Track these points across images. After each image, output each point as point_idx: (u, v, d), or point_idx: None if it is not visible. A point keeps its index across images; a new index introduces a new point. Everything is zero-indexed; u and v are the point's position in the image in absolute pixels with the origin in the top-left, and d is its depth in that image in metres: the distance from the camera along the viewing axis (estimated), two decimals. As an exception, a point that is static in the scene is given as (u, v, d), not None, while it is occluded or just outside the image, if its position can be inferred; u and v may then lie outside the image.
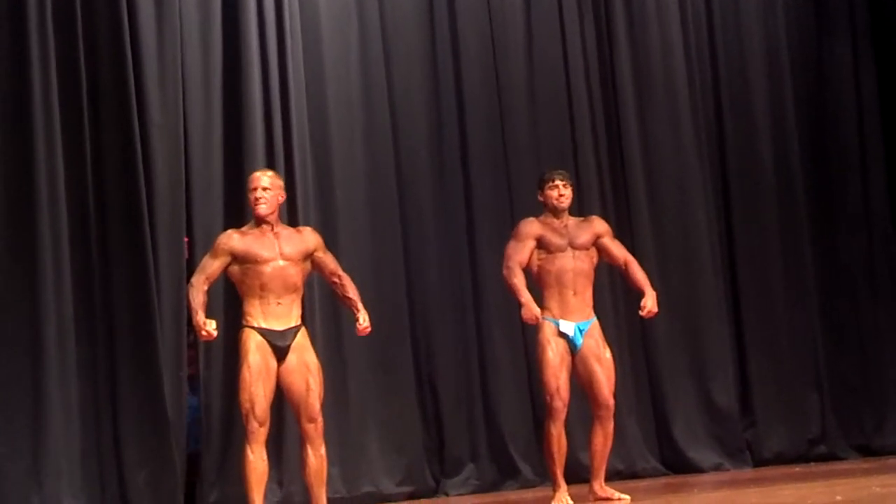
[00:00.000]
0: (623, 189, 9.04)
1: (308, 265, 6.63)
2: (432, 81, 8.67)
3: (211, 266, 6.50)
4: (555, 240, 7.14)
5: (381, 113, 8.46)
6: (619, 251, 7.34)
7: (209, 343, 7.21)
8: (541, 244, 7.15)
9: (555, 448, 7.00)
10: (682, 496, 7.50)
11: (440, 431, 8.39)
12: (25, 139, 7.28)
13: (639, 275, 7.28)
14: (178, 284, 7.47)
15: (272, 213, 6.56)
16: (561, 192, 7.20)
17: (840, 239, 9.55)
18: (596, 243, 7.25)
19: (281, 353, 6.39)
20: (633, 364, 8.74)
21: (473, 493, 8.24)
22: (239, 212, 7.41)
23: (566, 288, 7.10)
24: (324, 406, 6.54)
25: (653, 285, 7.28)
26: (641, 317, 7.32)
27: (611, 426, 7.11)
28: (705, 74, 9.40)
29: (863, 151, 9.68)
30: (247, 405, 6.30)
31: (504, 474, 8.38)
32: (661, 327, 8.71)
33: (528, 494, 7.98)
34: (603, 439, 7.11)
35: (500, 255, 7.28)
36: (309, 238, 6.68)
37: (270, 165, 7.61)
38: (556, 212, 7.21)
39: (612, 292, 8.55)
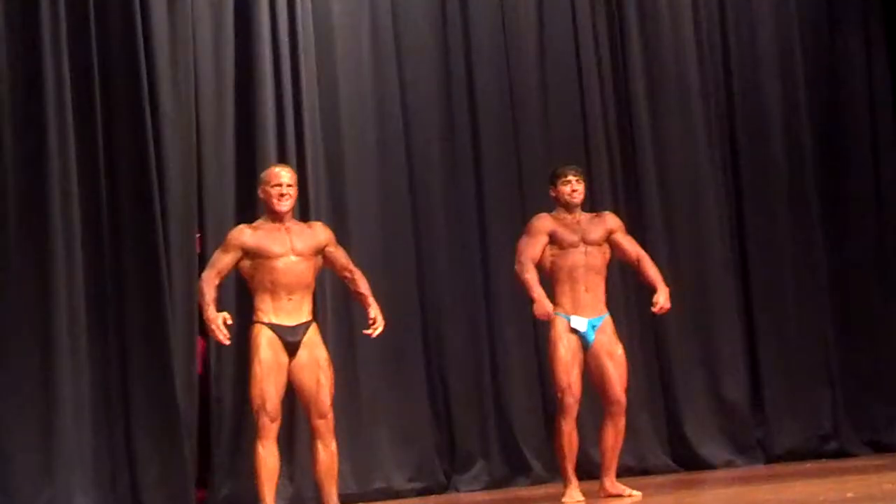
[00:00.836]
0: (635, 185, 9.01)
1: (319, 260, 6.63)
2: (444, 77, 8.66)
3: (222, 261, 6.50)
4: (567, 236, 7.13)
5: (392, 109, 8.45)
6: (631, 247, 7.33)
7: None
8: (553, 240, 7.14)
9: (566, 444, 6.99)
10: (693, 492, 7.50)
11: (451, 427, 8.38)
12: (38, 133, 7.29)
13: (651, 271, 7.27)
14: (189, 279, 7.46)
15: (291, 210, 6.57)
16: (574, 187, 7.19)
17: (853, 234, 9.51)
18: (608, 239, 7.24)
19: (292, 349, 6.39)
20: (644, 360, 8.72)
21: (484, 489, 8.23)
22: (251, 207, 7.40)
23: (578, 284, 7.09)
24: (334, 402, 6.54)
25: (664, 281, 7.27)
26: (653, 313, 7.30)
27: (622, 422, 7.11)
28: (717, 70, 9.36)
29: (875, 146, 9.63)
30: (258, 401, 6.31)
31: (515, 470, 8.37)
32: (672, 323, 8.69)
33: (539, 491, 7.97)
34: (614, 435, 7.10)
35: (511, 251, 7.27)
36: (320, 233, 6.68)
37: (282, 161, 7.62)
38: (568, 207, 7.19)
39: (625, 288, 8.53)
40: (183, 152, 7.66)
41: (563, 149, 8.66)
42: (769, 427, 9.04)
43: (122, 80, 7.55)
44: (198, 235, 7.66)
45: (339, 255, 6.71)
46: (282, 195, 6.50)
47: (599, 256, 7.19)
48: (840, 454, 9.04)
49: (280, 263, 6.45)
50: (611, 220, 7.35)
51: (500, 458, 8.37)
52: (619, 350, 7.12)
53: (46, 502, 7.04)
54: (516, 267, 7.11)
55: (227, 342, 6.37)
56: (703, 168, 9.16)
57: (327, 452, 6.43)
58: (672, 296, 7.26)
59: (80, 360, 7.24)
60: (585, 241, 7.15)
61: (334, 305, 7.92)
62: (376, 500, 7.78)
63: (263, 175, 6.66)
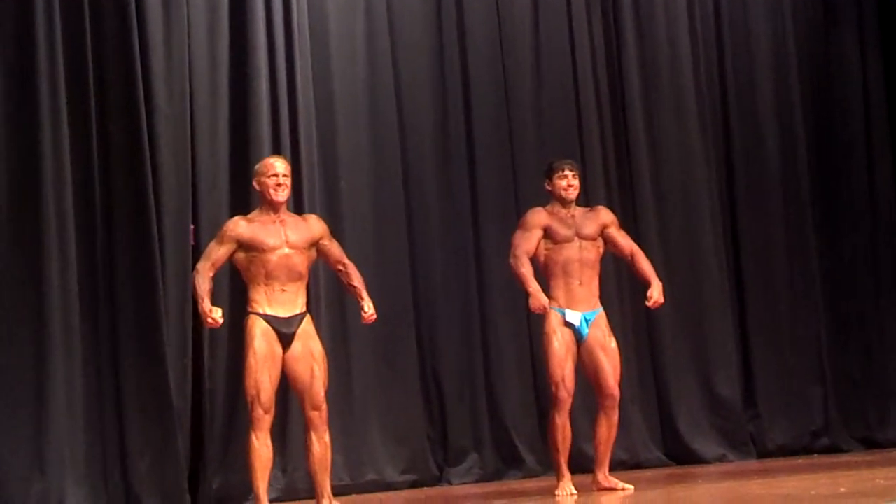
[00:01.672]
0: (628, 181, 9.03)
1: (313, 253, 6.63)
2: (439, 71, 8.66)
3: (217, 252, 6.49)
4: (561, 230, 7.14)
5: (387, 103, 8.45)
6: (625, 242, 7.35)
7: (214, 330, 7.22)
8: (548, 234, 7.15)
9: (559, 438, 7.01)
10: (685, 487, 7.51)
11: (444, 420, 8.39)
12: (32, 126, 7.25)
13: (645, 265, 7.29)
14: (183, 271, 7.46)
15: (286, 201, 6.57)
16: (570, 182, 7.21)
17: (845, 232, 9.54)
18: (602, 234, 7.26)
19: (286, 340, 6.39)
20: (637, 355, 8.74)
21: (477, 482, 8.24)
22: (244, 200, 7.40)
23: (572, 278, 7.10)
24: (328, 394, 6.53)
25: (658, 276, 7.28)
26: (647, 307, 7.32)
27: (615, 416, 7.13)
28: (712, 67, 9.38)
29: (869, 146, 9.66)
30: (252, 392, 6.31)
31: (507, 464, 8.39)
32: (665, 318, 8.71)
33: (532, 484, 7.98)
34: (607, 429, 7.12)
35: (505, 245, 7.29)
36: (315, 226, 6.68)
37: (276, 152, 7.58)
38: (563, 202, 7.21)
39: (618, 283, 8.55)
40: (177, 144, 7.65)
41: (557, 144, 8.67)
42: (761, 422, 9.08)
43: (117, 73, 7.52)
44: (192, 227, 7.65)
45: (334, 248, 6.71)
46: (278, 185, 6.50)
47: (593, 251, 7.21)
48: (832, 450, 9.09)
49: (274, 256, 6.45)
50: (605, 215, 7.37)
51: (492, 451, 8.38)
52: (613, 344, 7.14)
53: (38, 494, 7.01)
54: (511, 261, 7.12)
55: (220, 322, 6.34)
56: (697, 165, 9.18)
57: (321, 444, 6.43)
58: (665, 291, 7.29)
59: (73, 352, 7.21)
60: (580, 236, 7.17)
61: (328, 299, 7.92)
62: (369, 492, 7.79)
63: (259, 166, 6.66)
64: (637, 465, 8.53)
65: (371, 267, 7.63)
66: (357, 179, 8.28)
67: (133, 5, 7.51)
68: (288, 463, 7.64)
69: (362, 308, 6.61)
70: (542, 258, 7.15)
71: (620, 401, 7.19)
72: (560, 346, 7.02)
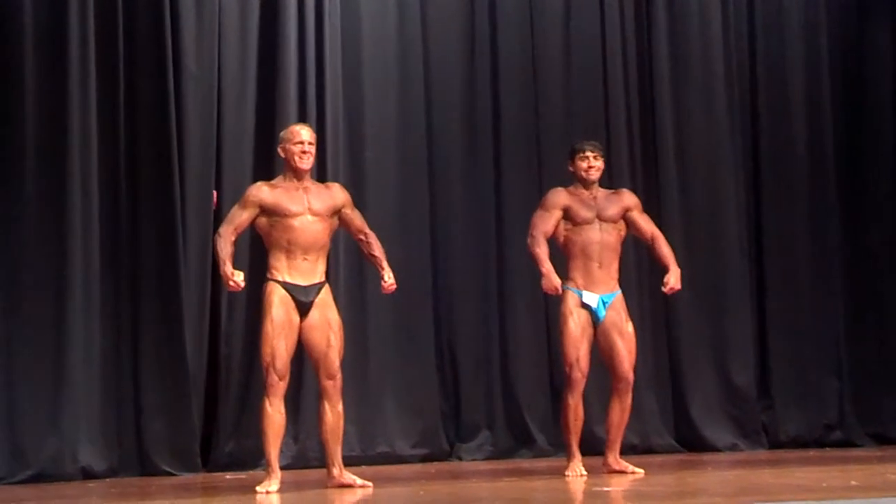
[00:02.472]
0: (653, 164, 9.00)
1: (335, 221, 6.63)
2: (468, 47, 8.65)
3: (239, 217, 6.50)
4: (582, 211, 7.12)
5: (415, 77, 8.45)
6: (647, 225, 7.32)
7: (232, 295, 7.25)
8: (567, 215, 7.13)
9: (571, 418, 7.01)
10: (696, 473, 7.50)
11: (457, 396, 8.42)
12: (60, 85, 7.31)
13: (665, 250, 7.27)
14: (204, 235, 7.50)
15: (310, 169, 6.58)
16: (591, 163, 7.18)
17: (869, 224, 9.47)
18: (624, 216, 7.23)
19: (304, 309, 6.40)
20: (653, 339, 8.73)
21: (487, 459, 8.27)
22: (268, 165, 7.43)
23: (591, 260, 7.09)
24: (343, 364, 6.55)
25: (678, 262, 7.27)
26: (664, 293, 7.31)
27: (629, 400, 7.13)
28: (742, 53, 9.33)
29: (896, 136, 9.60)
30: (268, 358, 6.32)
31: (519, 442, 8.41)
32: (683, 304, 8.70)
33: (542, 463, 7.99)
34: (620, 412, 7.12)
35: (526, 224, 7.26)
36: (337, 194, 6.68)
37: (302, 120, 7.62)
38: (585, 183, 7.19)
39: (638, 266, 8.54)
40: (204, 109, 7.70)
41: (583, 124, 8.66)
42: (775, 413, 9.05)
43: (146, 36, 7.57)
44: (214, 192, 7.67)
45: (355, 218, 6.71)
46: (304, 153, 6.50)
47: (614, 233, 7.18)
48: (844, 444, 9.05)
49: (297, 222, 6.45)
50: (628, 198, 7.34)
51: (504, 429, 8.40)
52: (629, 327, 7.12)
53: (53, 451, 7.08)
54: (528, 240, 7.11)
55: (242, 286, 6.36)
56: (723, 152, 9.14)
57: (334, 413, 6.44)
58: (685, 277, 7.26)
59: (93, 312, 7.27)
60: (601, 218, 7.14)
61: (347, 270, 7.94)
62: (379, 464, 7.81)
63: (284, 133, 6.66)
64: (648, 450, 8.53)
65: (392, 239, 7.63)
66: (382, 151, 8.29)
67: (165, -32, 7.53)
68: (300, 431, 7.69)
69: (382, 277, 6.61)
70: (561, 239, 7.14)
71: (634, 385, 7.18)
72: (576, 328, 7.01)
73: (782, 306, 9.19)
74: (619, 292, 7.16)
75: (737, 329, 9.00)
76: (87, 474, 7.12)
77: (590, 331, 7.05)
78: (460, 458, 8.25)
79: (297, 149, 6.50)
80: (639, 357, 7.30)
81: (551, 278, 6.96)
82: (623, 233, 7.25)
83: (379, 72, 8.33)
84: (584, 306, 7.04)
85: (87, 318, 7.24)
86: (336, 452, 6.48)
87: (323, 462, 6.66)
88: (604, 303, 7.06)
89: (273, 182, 6.61)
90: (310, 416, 7.38)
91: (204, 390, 7.60)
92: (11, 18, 7.25)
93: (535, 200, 7.56)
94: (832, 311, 9.28)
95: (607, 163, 7.50)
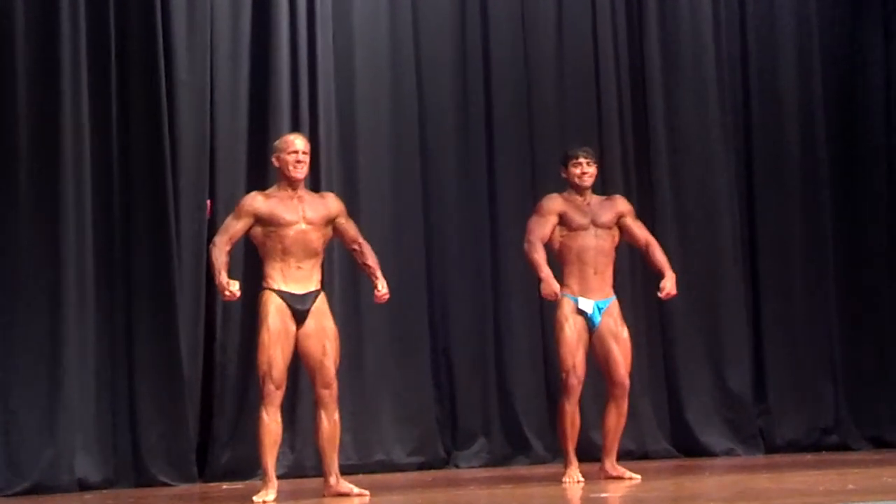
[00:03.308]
0: (646, 169, 8.99)
1: (329, 231, 6.63)
2: (460, 50, 8.65)
3: (234, 227, 6.49)
4: (577, 217, 7.13)
5: (407, 80, 8.44)
6: (640, 232, 7.33)
7: (227, 304, 7.24)
8: (563, 221, 7.14)
9: (568, 425, 7.02)
10: (693, 478, 7.50)
11: (453, 404, 8.41)
12: (52, 94, 7.29)
13: (659, 256, 7.28)
14: (199, 244, 7.50)
15: (304, 178, 6.57)
16: (584, 169, 7.19)
17: (864, 227, 9.47)
18: (618, 223, 7.24)
19: (300, 317, 6.39)
20: (649, 345, 8.72)
21: (484, 466, 8.25)
22: (262, 174, 7.42)
23: (587, 266, 7.10)
24: (339, 372, 6.54)
25: (672, 267, 7.27)
26: (660, 298, 7.31)
27: (625, 405, 7.13)
28: (734, 54, 9.32)
29: (890, 137, 9.57)
30: (264, 367, 6.31)
31: (516, 449, 8.39)
32: (678, 309, 8.69)
33: (539, 470, 7.99)
34: (616, 418, 7.13)
35: (520, 230, 7.28)
36: (332, 204, 6.68)
37: (295, 128, 7.63)
38: (578, 189, 7.20)
39: (632, 272, 8.52)
40: (196, 117, 7.69)
41: (577, 130, 8.65)
42: (771, 417, 9.05)
43: (138, 44, 7.55)
44: (209, 202, 7.66)
45: (349, 227, 6.71)
46: (298, 162, 6.50)
47: (609, 239, 7.20)
48: (840, 448, 9.04)
49: (291, 231, 6.45)
50: (621, 204, 7.35)
51: (501, 436, 8.39)
52: (625, 333, 7.14)
53: (48, 460, 7.06)
54: (525, 246, 7.12)
55: (238, 295, 6.35)
56: (716, 156, 9.13)
57: (330, 422, 6.43)
58: (679, 282, 7.27)
59: (87, 322, 7.26)
60: (595, 224, 7.16)
61: (342, 278, 7.94)
62: (376, 472, 7.80)
63: (278, 143, 6.65)
64: (645, 456, 8.52)
65: (386, 246, 7.63)
66: (375, 158, 8.28)
67: (157, -24, 7.52)
68: (297, 440, 7.67)
69: (376, 287, 6.61)
70: (556, 245, 7.15)
71: (630, 390, 7.19)
72: (572, 334, 7.02)
73: (777, 310, 9.18)
74: (614, 298, 7.17)
75: (732, 334, 8.99)
76: (83, 485, 7.11)
77: (586, 337, 7.06)
78: (457, 466, 8.23)
79: (291, 158, 6.50)
80: (634, 362, 7.32)
81: (550, 283, 6.96)
82: (617, 239, 7.27)
83: (371, 78, 8.33)
84: (580, 312, 7.05)
85: (82, 328, 7.22)
86: (333, 461, 6.47)
87: (319, 471, 6.66)
88: (599, 309, 7.07)
89: (267, 191, 6.60)
90: (306, 425, 7.36)
91: (199, 400, 7.59)
92: (2, 27, 7.23)
93: (530, 205, 7.57)
94: (827, 314, 9.28)
95: (600, 168, 7.50)
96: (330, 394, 6.43)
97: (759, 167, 9.30)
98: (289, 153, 6.52)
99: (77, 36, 7.34)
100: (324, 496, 6.47)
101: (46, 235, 7.23)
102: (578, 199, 7.19)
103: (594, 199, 7.25)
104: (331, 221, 6.62)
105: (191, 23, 7.69)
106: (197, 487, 7.36)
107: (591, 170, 7.21)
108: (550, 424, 8.02)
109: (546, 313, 7.96)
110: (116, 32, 7.48)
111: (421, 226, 8.38)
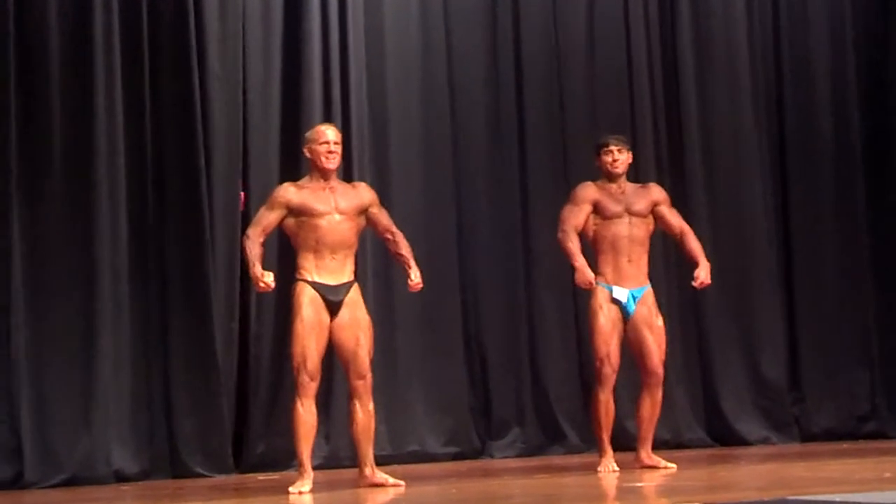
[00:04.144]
0: (679, 156, 8.96)
1: (362, 221, 6.64)
2: (491, 42, 8.63)
3: (267, 218, 6.51)
4: (611, 206, 7.11)
5: (438, 71, 8.44)
6: (675, 220, 7.30)
7: (261, 295, 7.25)
8: (597, 209, 7.12)
9: (602, 414, 7.00)
10: (728, 467, 7.48)
11: (487, 393, 8.40)
12: (86, 88, 7.32)
13: (694, 245, 7.25)
14: (232, 237, 7.51)
15: (336, 169, 6.58)
16: (615, 157, 7.16)
17: (898, 214, 9.43)
18: (653, 211, 7.22)
19: (333, 308, 6.40)
20: (683, 334, 8.70)
21: (519, 456, 8.25)
22: (295, 165, 7.42)
23: (621, 254, 7.07)
24: (373, 363, 6.55)
25: (706, 254, 7.24)
26: (694, 287, 7.28)
27: (659, 394, 7.11)
28: (767, 42, 9.28)
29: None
30: (299, 359, 6.32)
31: (550, 439, 8.39)
32: (712, 298, 8.65)
33: (574, 460, 7.98)
34: (651, 407, 7.10)
35: (553, 218, 7.26)
36: (364, 194, 6.68)
37: (328, 120, 7.61)
38: (611, 177, 7.17)
39: (666, 260, 8.50)
40: (229, 110, 7.70)
41: (608, 117, 8.63)
42: (806, 405, 9.01)
43: (170, 38, 7.57)
44: (242, 194, 7.68)
45: (382, 217, 6.71)
46: (329, 153, 6.50)
47: (643, 228, 7.17)
48: (877, 436, 8.99)
49: (324, 222, 6.46)
50: (656, 192, 7.32)
51: (535, 425, 8.39)
52: (659, 322, 7.11)
53: (84, 452, 7.11)
54: (559, 235, 7.10)
55: (272, 286, 6.37)
56: (749, 144, 9.10)
57: (364, 413, 6.44)
58: (713, 270, 7.25)
59: (122, 314, 7.29)
60: (630, 212, 7.13)
61: (375, 268, 7.94)
62: (410, 463, 7.80)
63: (310, 133, 6.66)
64: (680, 445, 8.49)
65: (418, 236, 7.62)
66: (407, 148, 8.28)
67: (189, -30, 7.54)
68: (331, 430, 7.69)
69: (409, 276, 6.61)
70: (590, 233, 7.13)
71: (665, 379, 7.17)
72: (606, 322, 7.00)
73: (811, 298, 9.14)
74: (648, 286, 7.14)
75: (766, 322, 8.96)
76: (120, 477, 7.15)
77: (620, 326, 7.04)
78: (492, 456, 8.23)
79: (322, 149, 6.51)
80: (669, 351, 7.29)
81: (585, 272, 6.95)
82: (651, 227, 7.24)
83: (402, 68, 8.33)
84: (614, 301, 7.03)
85: (117, 321, 7.26)
86: (368, 452, 6.48)
87: (355, 462, 6.67)
88: (633, 297, 7.05)
89: (300, 183, 6.61)
90: (341, 416, 7.37)
91: (235, 391, 7.61)
92: (36, 25, 7.27)
93: (561, 193, 7.56)
94: (862, 301, 9.23)
95: (633, 156, 7.47)
96: (364, 384, 6.44)
97: (791, 155, 9.25)
98: (320, 144, 6.52)
99: (110, 31, 7.37)
100: (359, 487, 6.48)
101: (81, 229, 7.26)
102: (612, 187, 7.17)
103: (629, 187, 7.22)
104: (363, 211, 6.62)
105: (223, 16, 7.70)
106: (233, 478, 7.38)
107: (623, 157, 7.19)
108: (584, 413, 8.01)
109: (580, 302, 7.95)
110: (149, 26, 7.50)
111: (453, 215, 8.38)
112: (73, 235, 7.26)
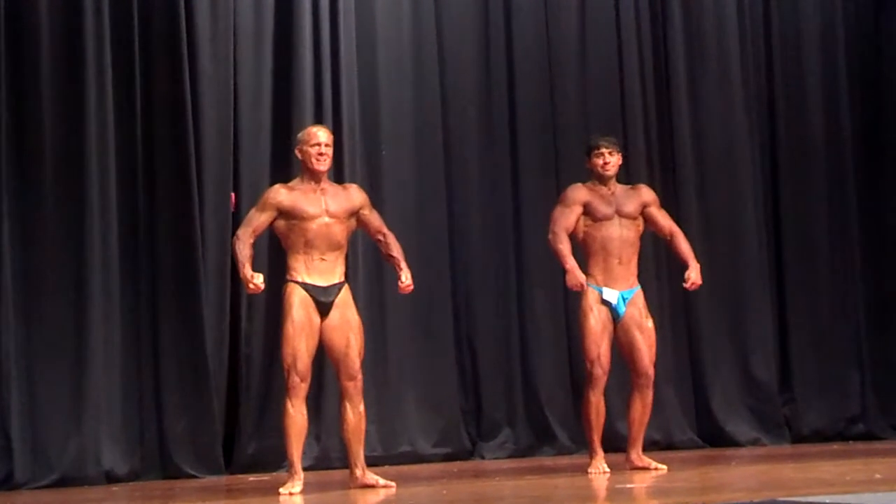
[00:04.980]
0: (670, 157, 8.98)
1: (353, 222, 6.64)
2: (483, 41, 8.64)
3: (257, 220, 6.51)
4: (601, 207, 7.12)
5: (430, 73, 8.44)
6: (665, 221, 7.31)
7: (252, 296, 7.25)
8: (587, 211, 7.12)
9: (593, 415, 7.01)
10: (719, 468, 7.49)
11: (478, 394, 8.41)
12: (77, 86, 7.31)
13: (684, 246, 7.25)
14: (223, 238, 7.51)
15: (328, 170, 6.58)
16: (606, 159, 7.16)
17: (888, 215, 9.42)
18: (643, 212, 7.22)
19: (324, 309, 6.41)
20: (673, 335, 8.71)
21: (509, 457, 8.26)
22: (285, 166, 7.42)
23: (611, 256, 7.08)
24: (363, 364, 6.55)
25: (696, 255, 7.26)
26: (685, 288, 7.29)
27: (650, 396, 7.12)
28: (758, 41, 9.29)
29: (916, 126, 9.54)
30: (289, 359, 6.33)
31: (540, 440, 8.40)
32: (703, 299, 8.66)
33: (565, 461, 7.99)
34: (641, 408, 7.11)
35: (544, 220, 7.26)
36: (355, 196, 6.68)
37: (319, 120, 7.63)
38: (602, 179, 7.18)
39: (656, 262, 8.52)
40: (220, 109, 7.70)
41: (600, 118, 8.64)
42: (797, 406, 9.02)
43: (161, 38, 7.57)
44: (232, 195, 7.68)
45: (374, 219, 6.71)
46: (320, 154, 6.50)
47: (633, 229, 7.18)
48: (867, 437, 9.01)
49: (314, 224, 6.46)
50: (646, 194, 7.33)
51: (526, 426, 8.39)
52: (650, 323, 7.12)
53: (75, 451, 7.10)
54: (550, 236, 7.10)
55: (262, 288, 6.37)
56: (740, 143, 9.11)
57: (355, 413, 6.45)
58: (703, 271, 7.25)
59: (112, 314, 7.29)
60: (620, 214, 7.14)
61: (366, 269, 7.94)
62: (401, 463, 7.80)
63: (301, 135, 6.66)
64: (670, 446, 8.51)
65: (410, 237, 7.62)
66: (398, 148, 8.28)
67: (180, -32, 7.54)
68: (322, 431, 7.69)
69: (400, 278, 6.62)
70: (581, 235, 7.13)
71: (655, 380, 7.17)
72: (596, 324, 7.01)
73: (802, 299, 9.15)
74: (638, 288, 7.15)
75: (757, 323, 8.97)
76: (110, 477, 7.14)
77: (610, 327, 7.05)
78: (482, 457, 8.24)
79: (313, 150, 6.51)
80: (659, 352, 7.29)
81: (576, 274, 6.96)
82: (641, 228, 7.25)
83: (394, 68, 8.33)
84: (605, 303, 7.03)
85: (107, 321, 7.25)
86: (358, 453, 6.49)
87: (345, 462, 6.68)
88: (623, 299, 7.05)
89: (290, 184, 6.61)
90: (332, 416, 7.38)
91: (225, 392, 7.61)
92: (27, 23, 7.26)
93: (553, 194, 7.57)
94: (853, 302, 9.25)
95: (624, 157, 7.48)
96: (355, 385, 6.45)
97: (783, 156, 9.27)
98: (311, 145, 6.52)
99: (101, 28, 7.36)
100: (350, 488, 6.49)
101: (71, 228, 7.25)
102: (603, 188, 7.17)
103: (619, 189, 7.23)
104: (354, 213, 6.62)
105: (214, 15, 7.70)
106: (223, 479, 7.38)
107: (614, 159, 7.19)
108: (575, 415, 8.02)
109: (570, 303, 7.95)
110: (140, 23, 7.50)
111: (444, 217, 8.38)
112: (64, 236, 7.25)
